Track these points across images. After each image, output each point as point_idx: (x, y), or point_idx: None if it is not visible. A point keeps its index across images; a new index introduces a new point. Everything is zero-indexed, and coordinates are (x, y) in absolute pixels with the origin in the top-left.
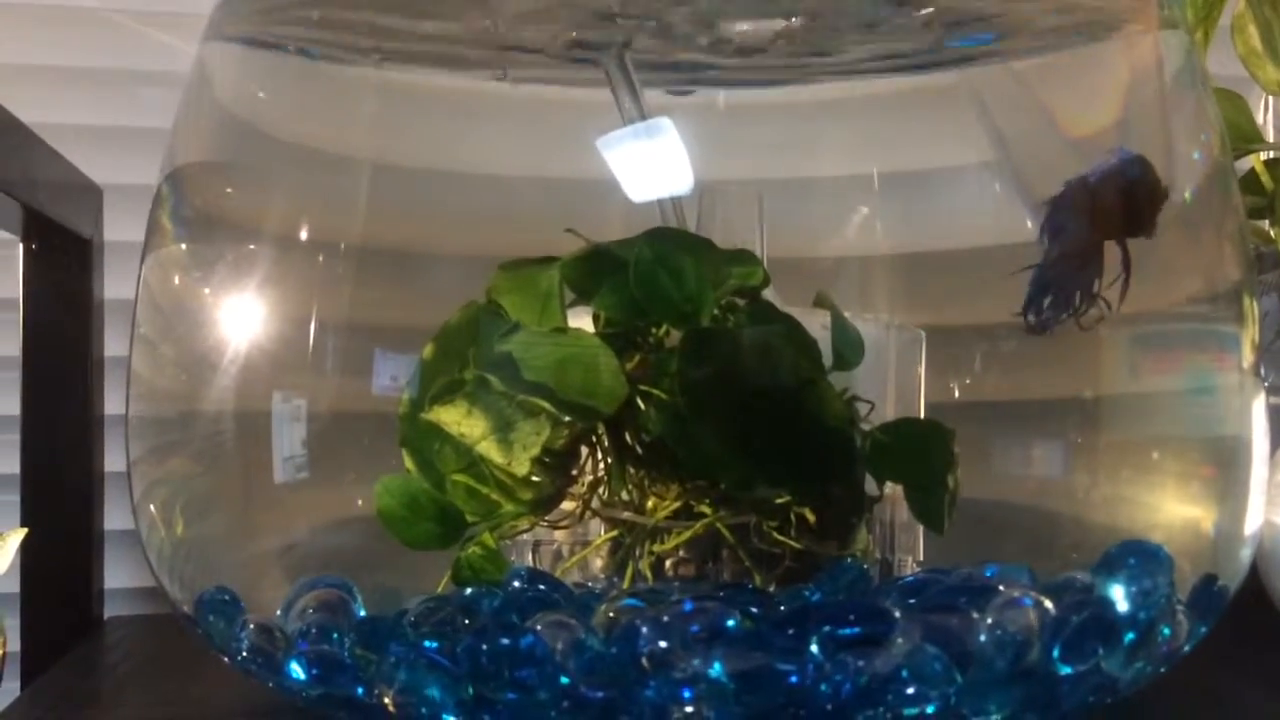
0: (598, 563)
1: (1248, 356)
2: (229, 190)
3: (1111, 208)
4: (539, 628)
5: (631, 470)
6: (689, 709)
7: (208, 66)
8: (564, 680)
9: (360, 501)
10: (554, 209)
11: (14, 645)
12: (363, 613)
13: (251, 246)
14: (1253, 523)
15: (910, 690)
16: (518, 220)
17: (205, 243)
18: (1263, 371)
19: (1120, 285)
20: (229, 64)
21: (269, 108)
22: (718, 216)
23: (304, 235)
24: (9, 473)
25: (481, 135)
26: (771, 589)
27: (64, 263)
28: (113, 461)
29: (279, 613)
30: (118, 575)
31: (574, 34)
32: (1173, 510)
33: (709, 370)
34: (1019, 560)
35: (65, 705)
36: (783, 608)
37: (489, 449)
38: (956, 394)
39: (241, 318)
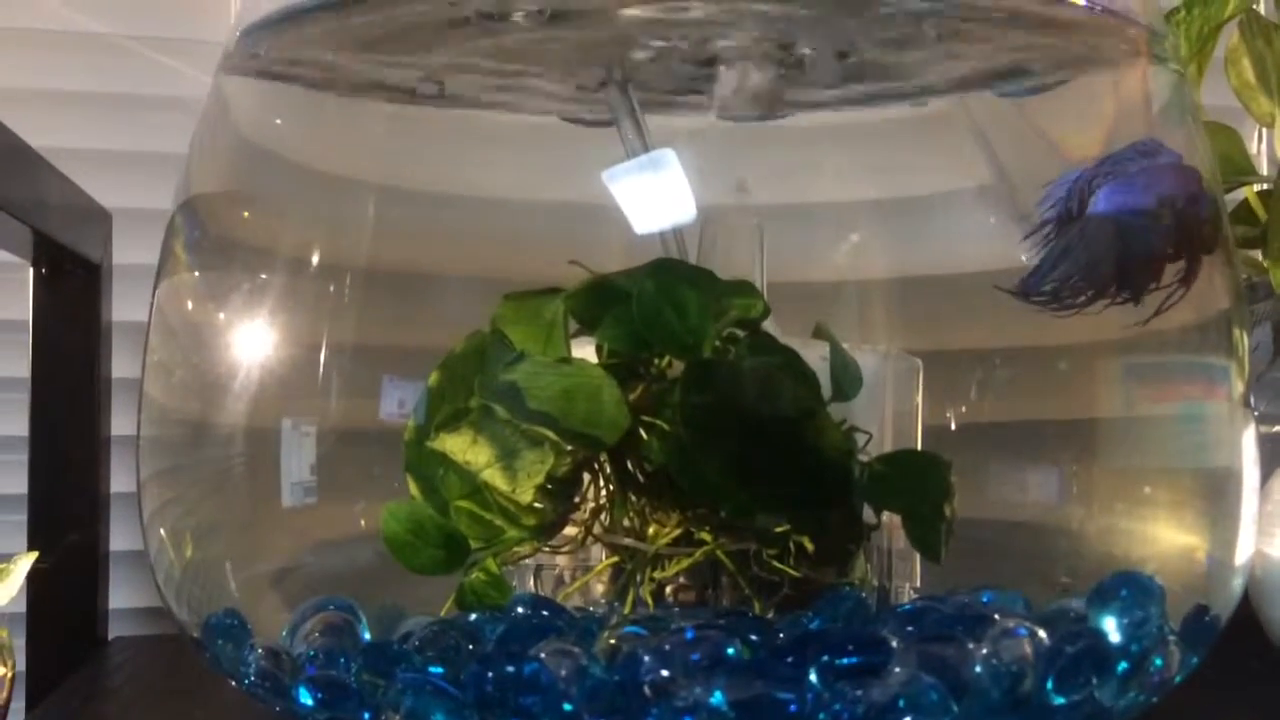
0: (599, 588)
1: (1238, 387)
2: (244, 217)
3: (1197, 231)
4: (543, 655)
5: (633, 498)
6: None
7: (225, 96)
8: (567, 707)
9: (363, 522)
10: (559, 234)
11: (19, 666)
12: (367, 635)
13: (264, 275)
14: (1244, 552)
15: (907, 719)
16: (526, 246)
17: (219, 269)
18: (1253, 401)
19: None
20: (247, 93)
21: (286, 136)
22: (718, 245)
23: (317, 261)
24: (16, 493)
25: (490, 161)
26: (771, 616)
27: (73, 286)
28: (119, 482)
29: (284, 634)
30: (123, 596)
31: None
32: (1165, 539)
33: (710, 401)
34: (1013, 585)
35: None
36: (782, 635)
37: (493, 476)
38: (951, 420)
39: (253, 343)
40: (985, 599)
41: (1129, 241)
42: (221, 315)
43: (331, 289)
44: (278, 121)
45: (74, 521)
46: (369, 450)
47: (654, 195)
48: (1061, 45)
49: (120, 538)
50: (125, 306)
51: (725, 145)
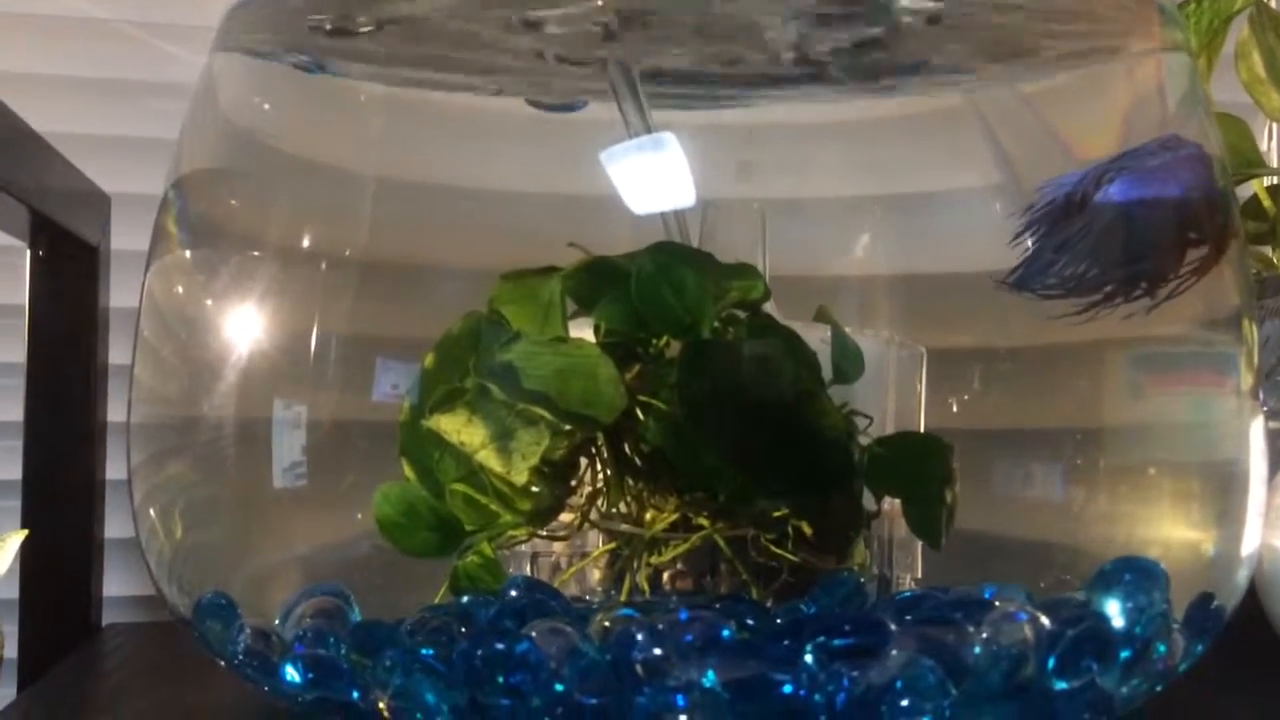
0: (595, 575)
1: (1246, 380)
2: (233, 200)
3: (1215, 220)
4: (534, 634)
5: (630, 481)
6: (682, 717)
7: (215, 76)
8: (558, 687)
9: (360, 516)
10: (560, 224)
11: (11, 651)
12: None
13: (254, 255)
14: (1250, 544)
15: (904, 702)
16: (522, 234)
17: (209, 250)
18: (1261, 396)
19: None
20: (236, 75)
21: (273, 119)
22: (720, 233)
23: (306, 245)
24: (10, 478)
25: (486, 149)
26: (769, 602)
27: (71, 270)
28: (114, 469)
29: (277, 620)
30: (117, 582)
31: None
32: (1170, 531)
33: (708, 382)
34: (1017, 580)
35: (61, 711)
36: (778, 620)
37: (488, 457)
38: (954, 407)
39: (243, 325)
40: (987, 594)
41: (1146, 233)
42: (209, 297)
43: (320, 271)
44: (265, 105)
45: (69, 508)
46: (361, 435)
47: (654, 177)
48: (1076, 33)
49: (115, 525)
50: (122, 291)
51: (730, 134)
